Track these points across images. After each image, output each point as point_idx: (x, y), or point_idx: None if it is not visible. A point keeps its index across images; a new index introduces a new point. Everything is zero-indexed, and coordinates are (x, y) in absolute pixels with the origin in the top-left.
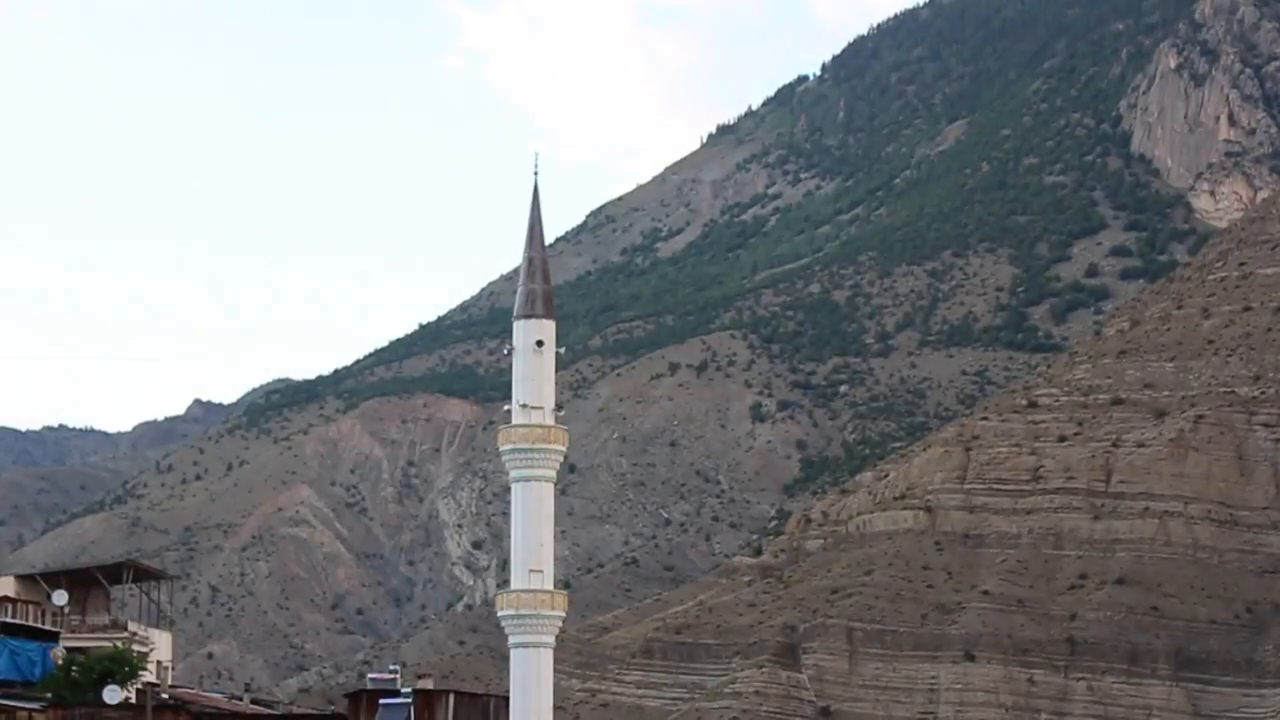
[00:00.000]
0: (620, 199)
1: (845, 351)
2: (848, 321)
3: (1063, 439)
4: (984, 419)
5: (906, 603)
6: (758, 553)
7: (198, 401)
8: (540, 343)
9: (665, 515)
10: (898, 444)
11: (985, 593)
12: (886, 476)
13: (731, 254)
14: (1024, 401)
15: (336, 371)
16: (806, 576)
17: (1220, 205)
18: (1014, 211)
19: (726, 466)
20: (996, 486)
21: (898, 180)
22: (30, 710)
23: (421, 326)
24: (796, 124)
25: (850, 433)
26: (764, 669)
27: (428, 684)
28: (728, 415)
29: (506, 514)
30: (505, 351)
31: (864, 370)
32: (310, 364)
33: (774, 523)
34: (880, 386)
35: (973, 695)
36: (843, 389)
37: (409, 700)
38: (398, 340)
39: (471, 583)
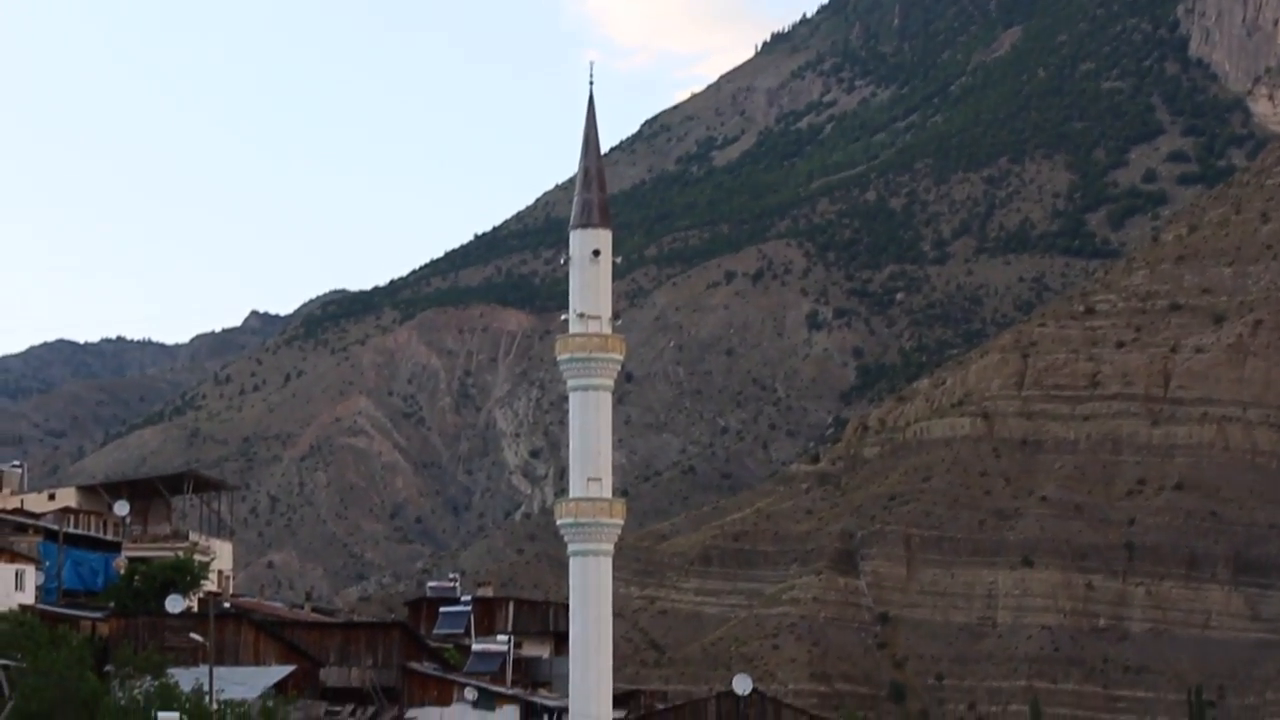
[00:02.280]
0: (675, 108)
1: (902, 259)
2: (904, 229)
3: (1121, 345)
4: (1041, 325)
5: (964, 509)
6: (815, 460)
7: (255, 313)
8: (597, 252)
9: (722, 423)
10: (954, 351)
11: (1043, 499)
12: (944, 383)
13: (787, 162)
14: (1081, 308)
15: (393, 282)
16: (864, 483)
17: (1279, 109)
18: (1070, 118)
19: (783, 374)
20: (1054, 393)
21: (953, 87)
22: (94, 620)
23: (477, 237)
24: (851, 31)
25: (907, 340)
26: (822, 575)
27: (487, 592)
28: (784, 323)
29: (563, 423)
30: (562, 261)
31: (920, 277)
32: (366, 275)
33: (831, 430)
34: (937, 293)
35: (1031, 601)
36: (899, 296)
37: (469, 608)
38: (454, 251)
39: (529, 491)
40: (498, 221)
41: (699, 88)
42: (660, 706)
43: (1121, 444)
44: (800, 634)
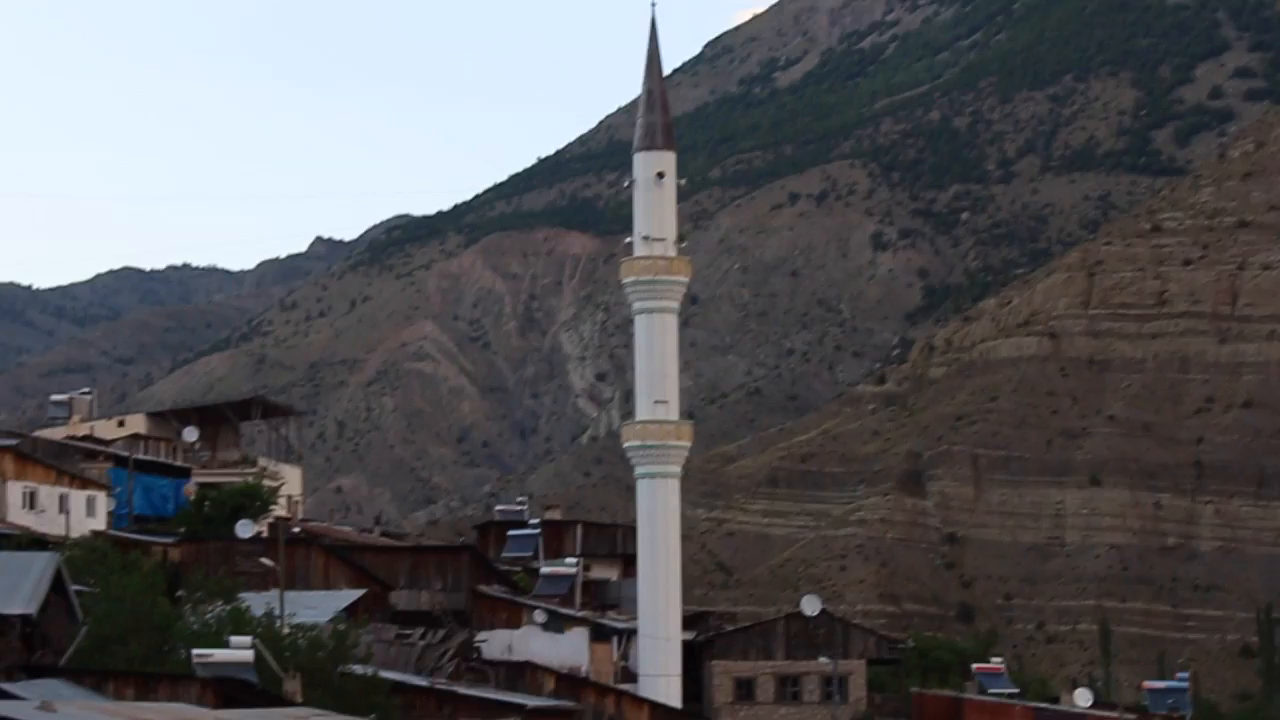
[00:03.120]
0: (737, 29)
1: (966, 178)
2: (968, 148)
3: (1187, 263)
4: (1108, 244)
5: (1031, 429)
6: (881, 381)
7: (320, 239)
8: (661, 175)
9: (788, 345)
10: (1020, 270)
11: (1111, 418)
12: (1010, 303)
13: (850, 82)
14: (1148, 225)
15: (457, 207)
16: (930, 404)
17: None
18: (1135, 34)
19: (848, 295)
20: (1121, 311)
21: (1017, 4)
22: (165, 545)
23: (540, 160)
24: None
25: (972, 260)
26: (889, 496)
27: (555, 515)
28: (849, 244)
29: (629, 346)
30: (625, 184)
31: (985, 197)
32: (430, 200)
33: (897, 351)
34: (1002, 213)
35: (1099, 520)
36: (964, 216)
37: (537, 531)
38: (517, 174)
39: (595, 415)
40: (561, 145)
41: (761, 8)
42: (729, 628)
43: (1189, 362)
44: (868, 555)
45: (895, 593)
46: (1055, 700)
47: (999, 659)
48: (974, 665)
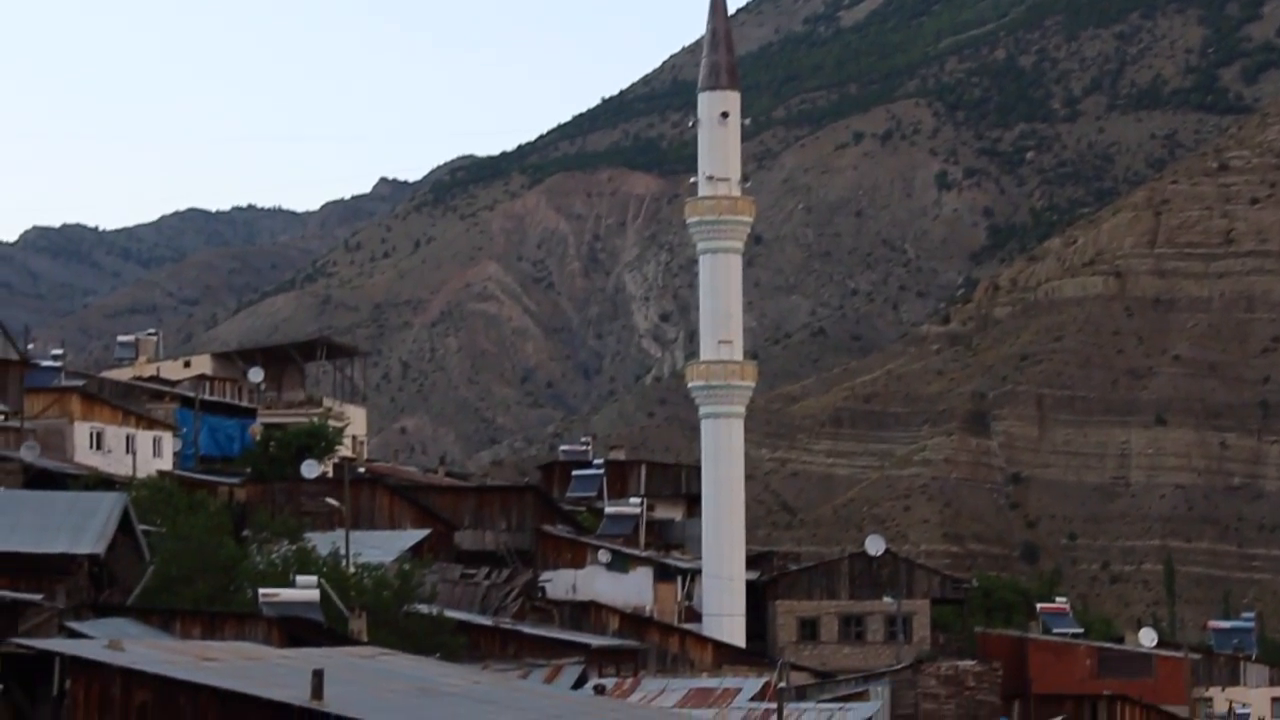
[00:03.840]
0: None
1: (1032, 117)
2: (1034, 87)
3: (1255, 201)
4: (1174, 182)
5: (1097, 368)
6: (945, 321)
7: (384, 179)
8: (725, 114)
9: (852, 285)
10: (1086, 209)
11: (1176, 357)
12: (1075, 242)
13: (915, 21)
14: (1215, 164)
15: (520, 147)
16: (995, 344)
17: None
18: None
19: (913, 235)
20: (1187, 250)
21: None
22: (231, 485)
23: (604, 100)
24: None
25: (1038, 199)
26: (953, 436)
27: (619, 455)
28: (913, 184)
29: (693, 286)
30: (690, 124)
31: (1051, 136)
32: (494, 140)
33: (961, 290)
34: (1068, 152)
35: (1164, 460)
36: (1029, 155)
37: (601, 471)
38: (580, 114)
39: (659, 355)
40: (624, 85)
41: None
42: (793, 567)
43: (1255, 301)
44: (932, 495)
45: (959, 533)
46: (1120, 640)
47: (1063, 599)
48: (1038, 605)
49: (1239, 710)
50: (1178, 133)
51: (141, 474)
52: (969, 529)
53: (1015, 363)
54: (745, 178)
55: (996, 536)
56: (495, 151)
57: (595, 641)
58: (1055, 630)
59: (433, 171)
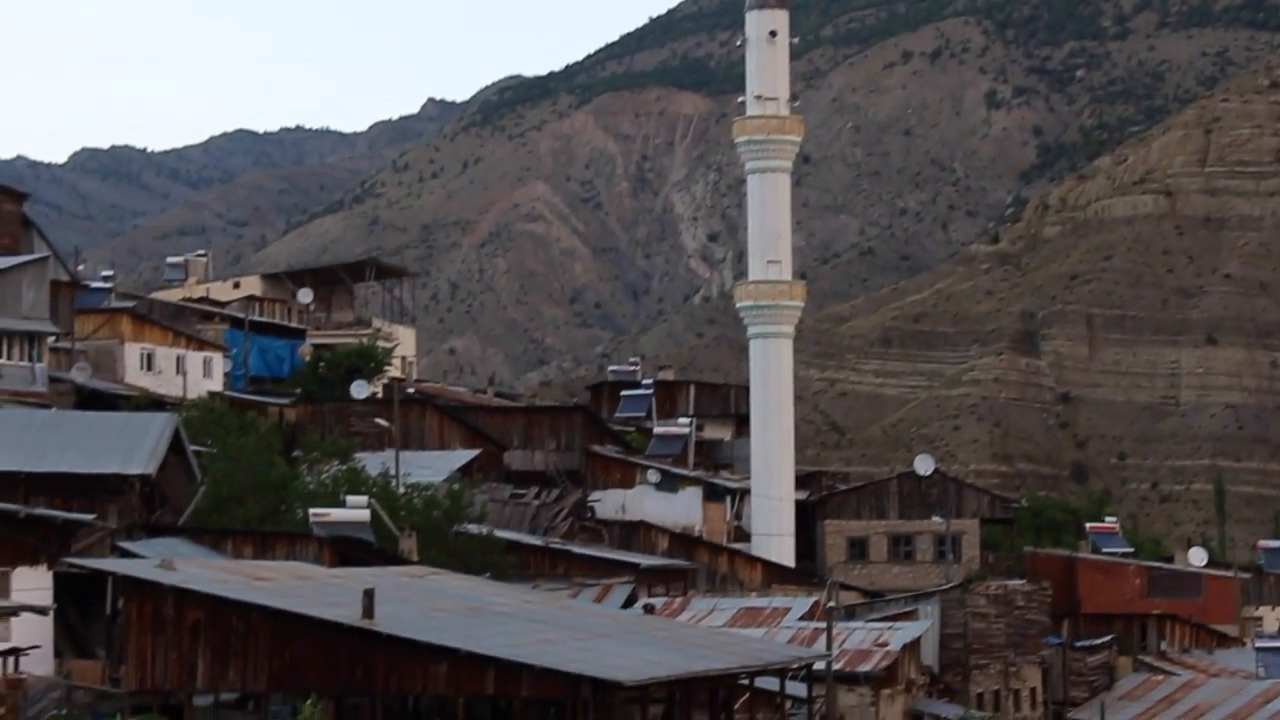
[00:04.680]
0: None
1: (1082, 35)
2: (1084, 4)
3: None
4: (1225, 100)
5: (1146, 288)
6: (995, 240)
7: (432, 100)
8: (773, 33)
9: (901, 204)
10: (1136, 128)
11: (1227, 276)
12: (1125, 161)
13: None
14: (1266, 82)
15: (568, 67)
16: (1044, 263)
17: None
18: None
19: (962, 154)
20: (1238, 169)
21: None
22: (281, 405)
23: (652, 20)
24: None
25: (1087, 117)
26: (1003, 356)
27: (668, 375)
28: (962, 102)
29: (741, 206)
30: (738, 43)
31: (1101, 54)
32: (542, 60)
33: (1011, 210)
34: (1118, 70)
35: (1214, 379)
36: (1079, 73)
37: (650, 391)
38: (628, 34)
39: (708, 275)
40: (672, 4)
41: None
42: (842, 487)
43: None
44: (981, 415)
45: (1009, 452)
46: (1170, 560)
47: (1113, 519)
48: (1088, 525)
49: None
50: (1229, 50)
51: (192, 395)
52: (1018, 449)
53: (1065, 282)
54: (794, 97)
55: (1046, 456)
56: (543, 71)
57: (644, 561)
58: (1105, 550)
59: (481, 92)
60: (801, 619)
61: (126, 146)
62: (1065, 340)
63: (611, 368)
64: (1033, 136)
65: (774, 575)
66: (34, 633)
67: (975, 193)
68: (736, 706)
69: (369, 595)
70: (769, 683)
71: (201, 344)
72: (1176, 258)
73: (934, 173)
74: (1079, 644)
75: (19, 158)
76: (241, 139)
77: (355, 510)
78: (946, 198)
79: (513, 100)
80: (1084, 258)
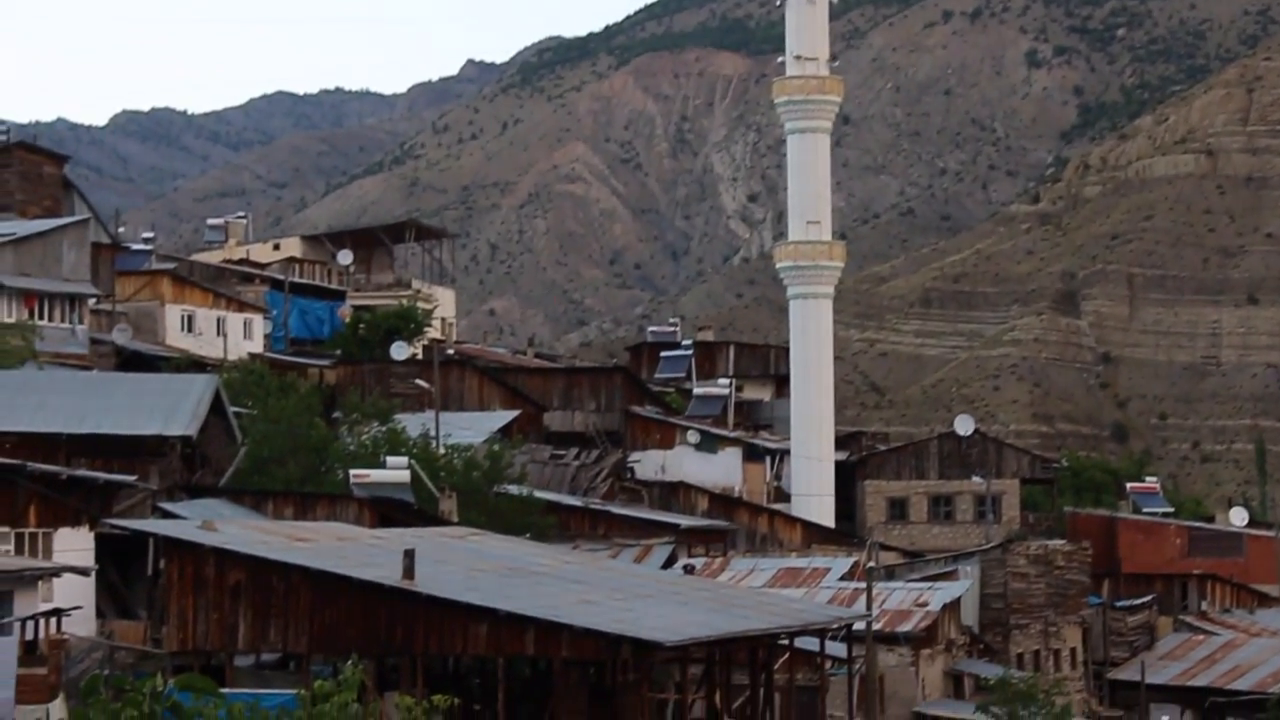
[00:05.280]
0: None
1: None
2: None
3: None
4: (1267, 59)
5: (1187, 247)
6: (1035, 200)
7: (471, 61)
8: None
9: (941, 164)
10: (1177, 87)
11: (1268, 235)
12: (1166, 120)
13: None
14: None
15: (607, 28)
16: (1085, 223)
17: None
18: None
19: (1002, 114)
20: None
21: None
22: (321, 367)
23: None
24: None
25: (1128, 77)
26: (1043, 316)
27: (707, 336)
28: (1003, 62)
29: (781, 167)
30: (777, 3)
31: (1142, 12)
32: (581, 21)
33: (1051, 169)
34: (1159, 29)
35: (1255, 339)
36: (1120, 32)
37: (689, 352)
38: None
39: (747, 235)
40: None
41: None
42: (881, 448)
43: None
44: (1021, 375)
45: (1049, 413)
46: (1210, 520)
47: (1153, 478)
48: (1128, 485)
49: None
50: (1271, 8)
51: (232, 356)
52: (1058, 409)
53: (1105, 242)
54: (833, 57)
55: (1086, 416)
56: (582, 32)
57: (684, 521)
58: (1145, 510)
59: (520, 53)
60: (841, 579)
61: (166, 109)
62: (1106, 300)
63: (651, 329)
64: (1073, 96)
65: (814, 536)
66: (76, 593)
67: (1016, 152)
68: (776, 666)
69: (409, 556)
70: (809, 643)
71: (242, 306)
72: (1218, 217)
73: (974, 132)
74: (1119, 604)
75: (59, 120)
76: (281, 101)
77: (395, 471)
78: (987, 157)
79: (552, 61)
80: (1125, 217)
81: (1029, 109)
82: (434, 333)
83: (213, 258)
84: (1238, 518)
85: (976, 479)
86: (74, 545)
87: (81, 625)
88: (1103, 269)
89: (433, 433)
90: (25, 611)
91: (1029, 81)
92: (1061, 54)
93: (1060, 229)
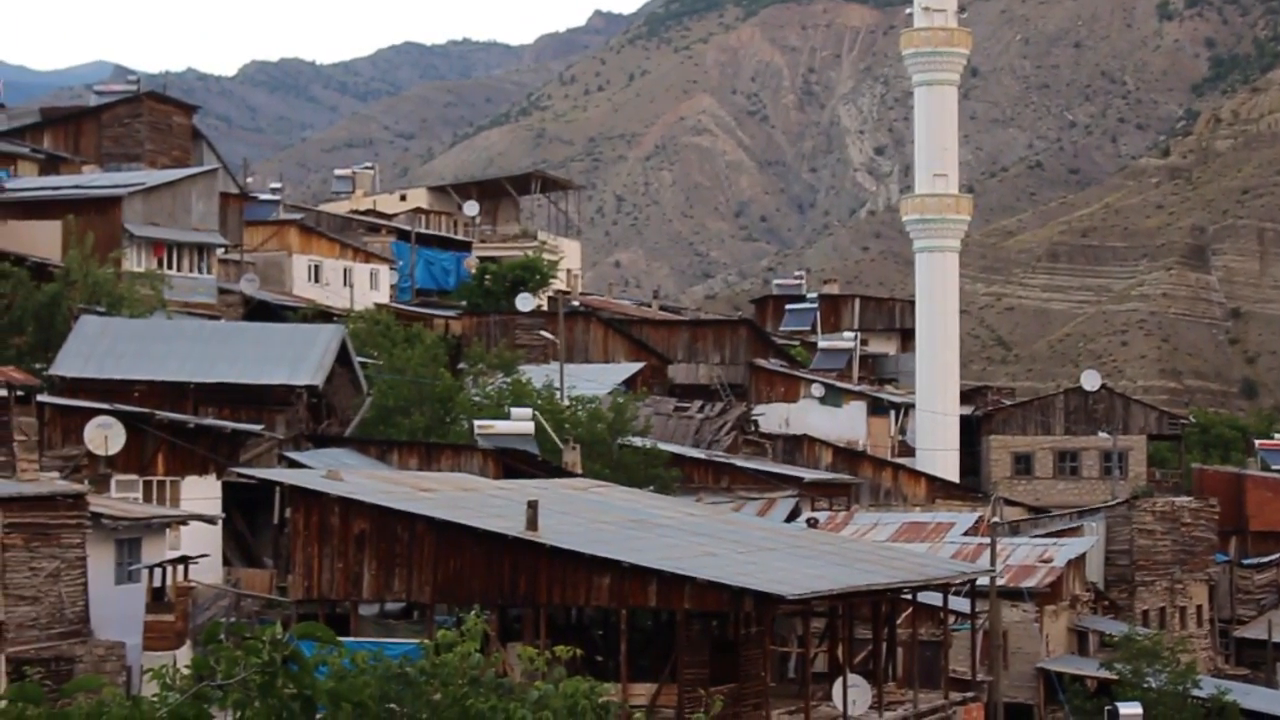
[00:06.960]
0: None
1: None
2: None
3: None
4: None
5: None
6: (1165, 154)
7: (598, 12)
8: None
9: (1070, 117)
10: None
11: None
12: None
13: None
14: None
15: None
16: (1216, 177)
17: None
18: None
19: (1133, 66)
20: None
21: None
22: (447, 318)
23: None
24: None
25: (1262, 29)
26: (1172, 271)
27: (833, 289)
28: (1134, 14)
29: (908, 119)
30: None
31: None
32: None
33: (1182, 123)
34: None
35: None
36: None
37: (815, 305)
38: None
39: (874, 188)
40: None
41: None
42: (1007, 402)
43: None
44: (1149, 330)
45: (1177, 368)
46: None
47: None
48: (1257, 441)
49: None
50: None
51: (359, 306)
52: (1187, 365)
53: (1236, 196)
54: (962, 8)
55: (1215, 372)
56: None
57: (808, 475)
58: (1274, 467)
59: (647, 4)
60: (965, 534)
61: (295, 59)
62: (1236, 255)
63: (776, 281)
64: (1205, 48)
65: (938, 490)
66: (203, 541)
67: (1145, 105)
68: (899, 621)
69: (533, 507)
70: (932, 598)
71: (368, 256)
72: None
73: (1104, 85)
74: (1246, 562)
75: (189, 70)
76: (409, 51)
77: (520, 422)
78: (1116, 111)
79: (679, 13)
80: (1256, 171)
81: (1160, 61)
82: (559, 284)
83: (340, 208)
84: None
85: (1103, 435)
86: (201, 493)
87: (208, 573)
88: (1233, 224)
89: (557, 384)
90: (153, 559)
91: (1160, 34)
92: (1193, 5)
93: (1190, 183)
